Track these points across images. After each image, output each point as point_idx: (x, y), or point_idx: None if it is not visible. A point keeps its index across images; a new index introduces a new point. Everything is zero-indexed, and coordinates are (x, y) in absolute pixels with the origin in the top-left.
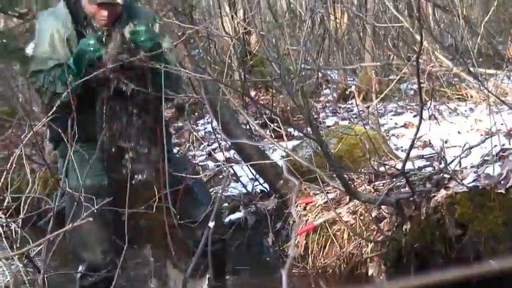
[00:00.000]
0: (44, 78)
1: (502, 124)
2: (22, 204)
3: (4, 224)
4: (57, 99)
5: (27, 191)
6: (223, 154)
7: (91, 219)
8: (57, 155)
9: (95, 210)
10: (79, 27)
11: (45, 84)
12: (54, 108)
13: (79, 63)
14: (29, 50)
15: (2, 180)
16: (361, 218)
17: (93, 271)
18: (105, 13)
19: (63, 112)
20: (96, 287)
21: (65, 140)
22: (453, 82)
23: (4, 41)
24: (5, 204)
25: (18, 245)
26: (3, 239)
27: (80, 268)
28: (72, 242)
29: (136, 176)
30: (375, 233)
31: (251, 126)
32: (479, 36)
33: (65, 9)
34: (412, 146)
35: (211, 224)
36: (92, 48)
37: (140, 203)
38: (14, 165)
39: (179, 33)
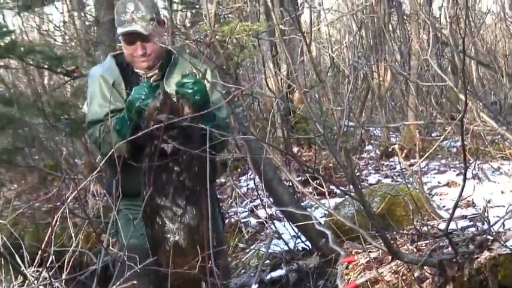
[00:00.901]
0: (99, 130)
1: None
2: (66, 260)
3: (48, 283)
4: (115, 149)
5: (71, 248)
6: (266, 211)
7: (135, 282)
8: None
9: (138, 270)
10: (127, 76)
11: (101, 135)
12: (101, 165)
13: (130, 111)
14: (85, 108)
15: (47, 235)
16: (404, 278)
17: None
18: (137, 50)
19: (111, 168)
20: None
21: (110, 199)
22: (496, 141)
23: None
24: (49, 262)
25: None
26: None
27: None
28: None
29: (167, 236)
30: None
31: (293, 184)
32: None
33: (111, 58)
34: (455, 207)
35: (254, 287)
36: (142, 96)
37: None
38: (57, 222)
39: (224, 91)
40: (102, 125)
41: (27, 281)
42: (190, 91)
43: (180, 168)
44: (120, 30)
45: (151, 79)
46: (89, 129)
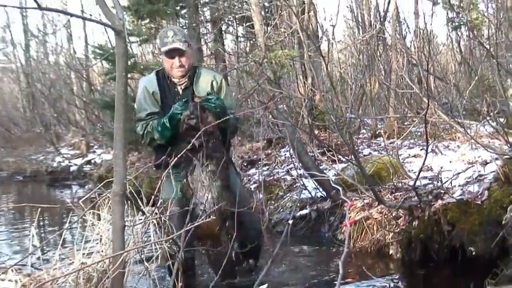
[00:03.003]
0: (142, 127)
1: (478, 157)
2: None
3: (158, 217)
4: (154, 143)
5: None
6: (297, 171)
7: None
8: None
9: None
10: (164, 86)
11: (144, 132)
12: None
13: (171, 121)
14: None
15: (157, 186)
16: (385, 216)
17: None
18: (175, 62)
19: (158, 150)
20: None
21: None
22: (446, 128)
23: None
24: (158, 202)
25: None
26: (157, 227)
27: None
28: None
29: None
30: (394, 226)
31: (315, 154)
32: (465, 98)
33: (153, 74)
34: (420, 171)
35: (290, 221)
36: (178, 112)
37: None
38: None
39: (271, 94)
40: (144, 123)
41: (144, 216)
42: (213, 105)
43: (205, 156)
44: (164, 48)
45: (183, 85)
46: (135, 123)
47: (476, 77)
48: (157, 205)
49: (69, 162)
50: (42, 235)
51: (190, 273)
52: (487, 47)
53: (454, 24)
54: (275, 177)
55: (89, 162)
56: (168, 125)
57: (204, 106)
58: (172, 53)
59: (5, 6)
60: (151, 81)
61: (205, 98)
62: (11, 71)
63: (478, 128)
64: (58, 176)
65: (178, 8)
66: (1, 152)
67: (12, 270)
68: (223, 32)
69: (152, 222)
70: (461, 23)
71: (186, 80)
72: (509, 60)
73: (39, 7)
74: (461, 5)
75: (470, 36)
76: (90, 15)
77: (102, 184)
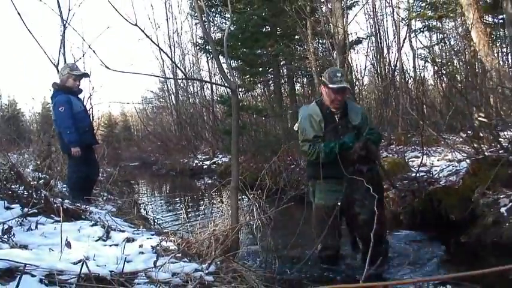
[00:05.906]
0: (309, 147)
1: (455, 157)
2: (266, 188)
3: (259, 200)
4: (317, 160)
5: (276, 186)
6: None
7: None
8: (310, 185)
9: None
10: (325, 114)
11: (311, 151)
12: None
13: (341, 149)
14: (295, 127)
15: (258, 178)
16: (398, 196)
17: (325, 249)
18: (338, 97)
19: (314, 163)
20: (328, 259)
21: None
22: (434, 138)
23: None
24: (259, 190)
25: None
26: (257, 207)
27: (319, 246)
28: (316, 230)
29: (360, 216)
30: (403, 202)
31: None
32: (446, 119)
33: (315, 105)
34: (419, 167)
35: (338, 203)
36: (350, 143)
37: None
38: (266, 171)
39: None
40: (311, 144)
41: (248, 199)
42: (374, 136)
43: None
44: (334, 86)
45: (339, 115)
46: (302, 142)
47: (453, 107)
48: (258, 191)
49: (202, 163)
50: (188, 211)
51: None
52: (459, 88)
53: (438, 74)
54: None
55: (214, 163)
56: (336, 150)
57: (370, 139)
58: (338, 90)
59: (166, 78)
60: (315, 110)
61: (369, 132)
62: (167, 108)
63: (454, 139)
64: (196, 172)
65: (267, 68)
66: (162, 157)
67: (171, 234)
68: (295, 82)
69: (254, 204)
70: (443, 73)
71: (341, 110)
72: (473, 95)
73: (186, 77)
74: (443, 61)
75: (449, 81)
76: (215, 74)
77: (225, 181)
